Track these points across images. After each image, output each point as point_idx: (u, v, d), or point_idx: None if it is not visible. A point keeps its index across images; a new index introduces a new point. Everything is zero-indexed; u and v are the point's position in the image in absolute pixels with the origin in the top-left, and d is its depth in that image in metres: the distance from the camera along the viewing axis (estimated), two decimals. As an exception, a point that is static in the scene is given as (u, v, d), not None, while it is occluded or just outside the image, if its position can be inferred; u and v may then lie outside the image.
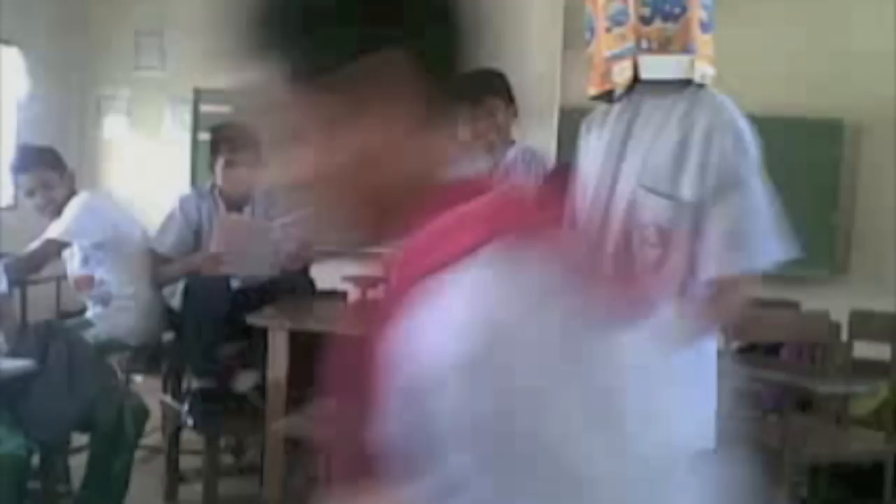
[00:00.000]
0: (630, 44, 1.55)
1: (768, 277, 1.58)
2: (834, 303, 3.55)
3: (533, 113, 3.44)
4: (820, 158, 5.58)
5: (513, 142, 3.25)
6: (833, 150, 5.59)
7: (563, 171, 2.96)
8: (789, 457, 2.78)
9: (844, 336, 3.54)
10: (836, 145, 5.59)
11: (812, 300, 4.08)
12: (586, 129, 1.73)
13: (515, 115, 3.20)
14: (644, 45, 1.54)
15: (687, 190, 1.49)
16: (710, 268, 1.49)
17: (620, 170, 1.58)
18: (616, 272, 1.57)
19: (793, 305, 3.96)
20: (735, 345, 3.40)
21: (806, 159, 5.50)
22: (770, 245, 1.50)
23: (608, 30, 1.59)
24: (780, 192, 1.58)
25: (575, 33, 4.89)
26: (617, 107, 1.64)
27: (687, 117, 1.51)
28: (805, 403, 3.18)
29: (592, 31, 1.63)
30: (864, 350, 3.52)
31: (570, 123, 4.98)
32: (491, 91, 3.11)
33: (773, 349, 4.03)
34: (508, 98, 3.15)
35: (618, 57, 1.57)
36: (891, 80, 5.18)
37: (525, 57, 3.80)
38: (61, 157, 3.25)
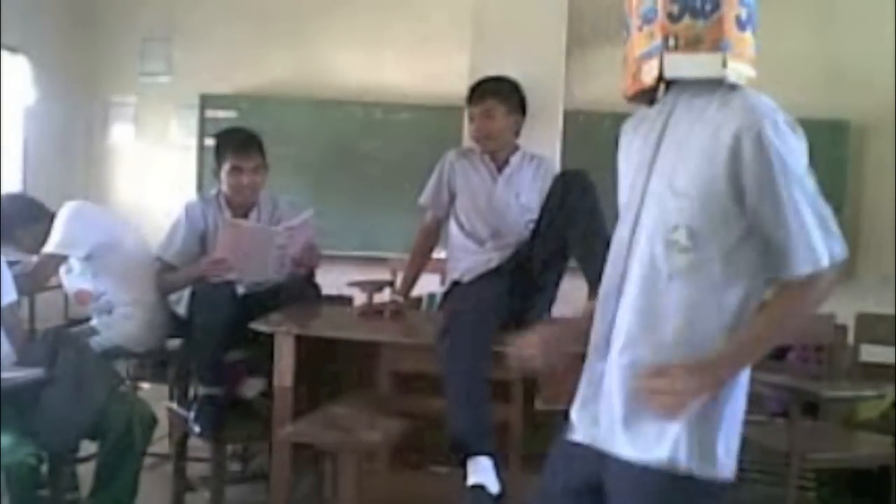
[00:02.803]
0: (657, 42, 1.51)
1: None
2: (840, 305, 3.53)
3: (536, 117, 3.43)
4: (825, 160, 5.54)
5: (517, 147, 3.25)
6: (838, 151, 5.57)
7: (567, 178, 2.97)
8: (795, 461, 2.77)
9: (851, 339, 3.52)
10: (841, 146, 5.57)
11: (818, 303, 4.06)
12: (625, 131, 1.70)
13: (519, 123, 3.20)
14: (671, 43, 1.50)
15: (714, 193, 1.46)
16: (804, 264, 1.49)
17: (653, 172, 1.55)
18: (644, 278, 1.52)
19: (799, 308, 3.94)
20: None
21: (811, 160, 5.48)
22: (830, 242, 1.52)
23: (640, 28, 1.56)
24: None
25: (579, 36, 4.91)
26: (655, 108, 1.60)
27: (715, 119, 1.47)
28: (811, 407, 3.17)
29: (628, 30, 1.60)
30: (871, 353, 3.51)
31: (575, 127, 5.00)
32: (491, 94, 3.12)
33: (779, 352, 4.02)
34: (514, 105, 3.15)
35: (646, 56, 1.54)
36: (896, 80, 5.16)
37: (528, 60, 3.79)
38: (34, 215, 3.18)
